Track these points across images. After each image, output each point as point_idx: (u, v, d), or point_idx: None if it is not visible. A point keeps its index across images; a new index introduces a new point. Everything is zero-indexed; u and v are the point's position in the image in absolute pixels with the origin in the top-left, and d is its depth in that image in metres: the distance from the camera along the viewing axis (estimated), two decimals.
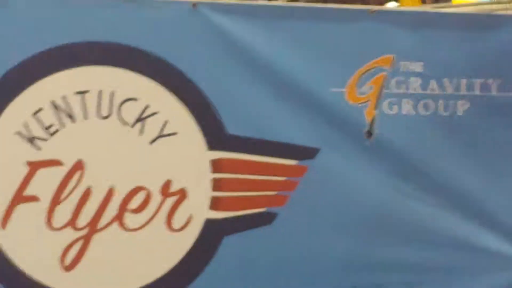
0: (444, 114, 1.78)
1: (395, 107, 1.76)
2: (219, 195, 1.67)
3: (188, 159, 1.66)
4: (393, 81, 1.76)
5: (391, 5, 6.29)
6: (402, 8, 3.78)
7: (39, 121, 1.56)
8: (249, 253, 1.69)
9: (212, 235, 1.67)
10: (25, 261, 1.59)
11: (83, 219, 1.60)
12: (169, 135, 1.64)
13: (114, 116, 1.61)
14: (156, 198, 1.63)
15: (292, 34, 1.69)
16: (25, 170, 1.56)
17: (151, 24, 1.62)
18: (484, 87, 1.80)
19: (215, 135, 1.65)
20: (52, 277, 1.61)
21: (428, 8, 3.24)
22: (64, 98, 1.57)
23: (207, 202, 1.66)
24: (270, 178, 1.69)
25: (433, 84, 1.77)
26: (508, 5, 2.20)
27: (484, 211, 1.84)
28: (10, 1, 1.55)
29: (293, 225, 1.71)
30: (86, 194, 1.60)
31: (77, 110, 1.58)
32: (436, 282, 1.83)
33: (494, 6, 2.45)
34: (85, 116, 1.59)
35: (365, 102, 1.73)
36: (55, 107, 1.57)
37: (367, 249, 1.77)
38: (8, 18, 1.55)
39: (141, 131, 1.62)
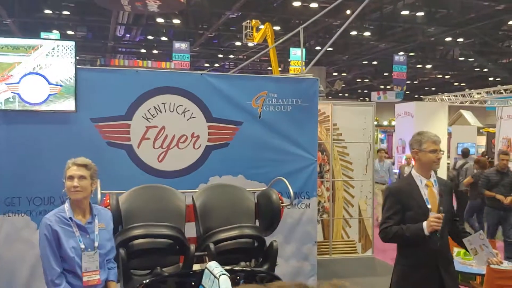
0: (283, 110, 5.16)
1: (268, 108, 5.11)
2: (210, 137, 4.89)
3: (200, 124, 4.87)
4: (267, 99, 5.11)
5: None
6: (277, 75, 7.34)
7: (150, 112, 4.71)
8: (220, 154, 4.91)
9: (208, 150, 4.88)
10: None
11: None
12: (192, 117, 4.85)
13: (174, 111, 4.80)
14: (189, 137, 4.82)
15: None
16: (144, 128, 4.69)
17: (185, 81, 4.88)
18: (295, 101, 5.21)
19: (208, 116, 4.90)
20: None
21: (283, 75, 6.79)
22: (157, 105, 4.75)
23: (206, 137, 4.87)
24: (227, 131, 4.96)
25: (278, 100, 5.15)
26: (304, 73, 5.77)
27: None
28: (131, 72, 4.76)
29: (235, 148, 4.96)
30: (165, 137, 4.75)
31: (162, 108, 4.76)
32: None
33: (300, 75, 6.04)
34: (165, 111, 4.77)
35: (257, 106, 5.07)
36: (155, 107, 4.74)
37: None
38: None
39: (184, 116, 4.82)
